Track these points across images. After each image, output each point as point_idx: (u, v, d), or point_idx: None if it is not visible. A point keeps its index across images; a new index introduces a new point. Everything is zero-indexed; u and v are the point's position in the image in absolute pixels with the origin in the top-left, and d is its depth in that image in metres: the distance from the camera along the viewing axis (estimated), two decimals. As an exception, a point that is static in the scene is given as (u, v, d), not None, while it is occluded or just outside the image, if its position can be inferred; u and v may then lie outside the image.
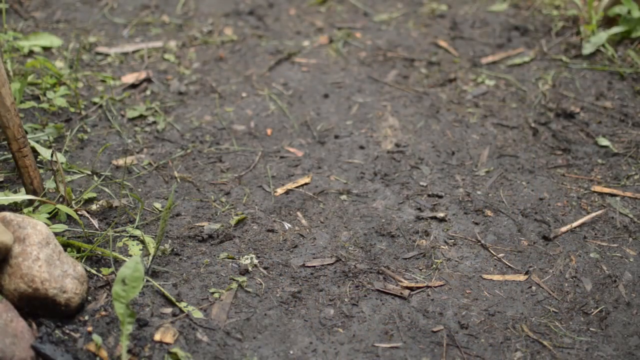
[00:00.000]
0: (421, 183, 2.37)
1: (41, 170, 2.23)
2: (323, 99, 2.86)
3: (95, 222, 2.08)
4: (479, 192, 2.34)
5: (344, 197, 2.29)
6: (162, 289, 1.88)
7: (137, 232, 2.06)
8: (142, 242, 2.04)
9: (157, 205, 2.20)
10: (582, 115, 2.75)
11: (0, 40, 2.77)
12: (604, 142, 2.58)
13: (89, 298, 1.85)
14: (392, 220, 2.19)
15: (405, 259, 2.06)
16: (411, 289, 1.95)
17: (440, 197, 2.31)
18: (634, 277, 2.01)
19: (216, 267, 1.99)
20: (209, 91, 2.87)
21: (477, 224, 2.20)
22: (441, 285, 1.97)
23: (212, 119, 2.67)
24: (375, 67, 3.10)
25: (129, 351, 1.69)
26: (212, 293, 1.90)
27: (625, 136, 2.63)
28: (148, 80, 2.90)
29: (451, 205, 2.27)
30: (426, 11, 3.63)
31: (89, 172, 2.31)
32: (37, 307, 1.76)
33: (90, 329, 1.76)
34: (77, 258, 1.93)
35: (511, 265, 2.05)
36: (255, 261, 2.01)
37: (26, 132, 2.20)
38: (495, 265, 2.05)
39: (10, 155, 2.27)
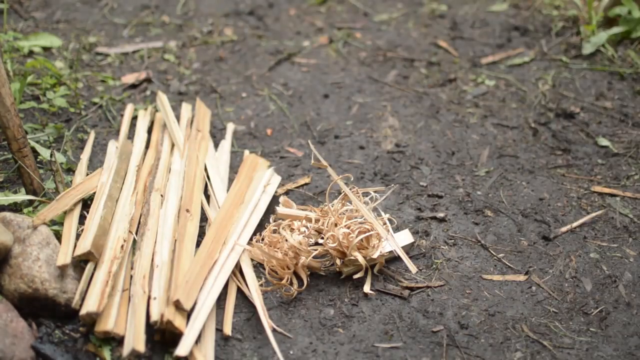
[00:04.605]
0: (421, 183, 2.37)
1: (41, 171, 2.23)
2: (323, 99, 2.86)
3: (95, 222, 2.08)
4: (479, 192, 2.34)
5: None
6: (162, 289, 1.88)
7: (137, 232, 2.06)
8: (142, 242, 2.04)
9: (157, 205, 2.20)
10: (582, 115, 2.75)
11: (0, 40, 2.77)
12: (604, 142, 2.59)
13: (89, 298, 1.84)
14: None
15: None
16: (411, 289, 1.95)
17: (440, 197, 2.31)
18: (634, 277, 2.01)
19: (216, 267, 1.99)
20: (209, 91, 2.87)
21: (477, 224, 2.20)
22: (441, 285, 1.97)
23: (212, 119, 2.67)
24: (375, 67, 3.10)
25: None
26: (212, 293, 1.90)
27: (625, 136, 2.63)
28: (148, 80, 2.90)
29: (451, 205, 2.27)
30: (426, 11, 3.63)
31: (89, 173, 2.31)
32: (37, 307, 1.76)
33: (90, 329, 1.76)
34: (77, 258, 1.93)
35: (511, 266, 2.05)
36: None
37: (26, 132, 2.20)
38: (495, 266, 2.05)
39: (10, 155, 2.27)
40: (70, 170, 2.30)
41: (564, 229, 2.18)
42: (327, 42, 3.30)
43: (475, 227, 2.19)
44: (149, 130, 2.48)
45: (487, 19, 3.54)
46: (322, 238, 2.01)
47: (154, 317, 1.68)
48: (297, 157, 2.49)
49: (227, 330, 1.77)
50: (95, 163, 2.35)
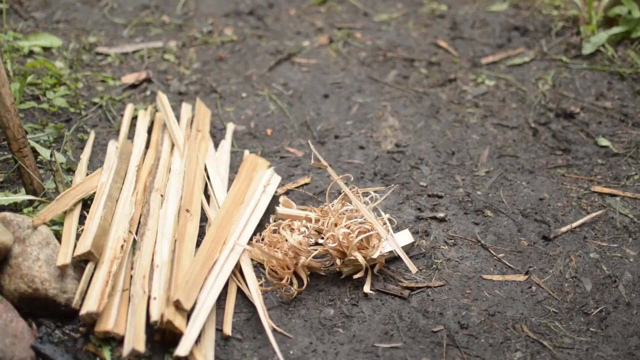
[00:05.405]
0: (421, 183, 2.37)
1: (41, 171, 2.23)
2: (323, 99, 2.86)
3: (95, 222, 2.08)
4: (479, 192, 2.34)
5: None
6: (162, 289, 1.88)
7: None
8: (142, 242, 2.04)
9: (157, 205, 2.20)
10: (582, 115, 2.75)
11: (0, 40, 2.77)
12: (604, 142, 2.59)
13: (89, 298, 1.84)
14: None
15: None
16: (411, 289, 1.95)
17: (440, 197, 2.31)
18: (634, 277, 2.01)
19: (216, 267, 1.99)
20: (209, 91, 2.87)
21: (477, 224, 2.20)
22: (441, 285, 1.97)
23: (212, 119, 2.67)
24: (375, 67, 3.10)
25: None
26: (212, 293, 1.90)
27: (625, 136, 2.63)
28: (148, 80, 2.90)
29: (451, 205, 2.27)
30: (426, 11, 3.63)
31: (89, 173, 2.31)
32: (37, 307, 1.76)
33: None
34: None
35: (511, 266, 2.05)
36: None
37: (26, 132, 2.20)
38: (495, 266, 2.05)
39: (10, 155, 2.27)
40: (70, 170, 2.30)
41: (564, 229, 2.18)
42: (327, 42, 3.30)
43: (475, 227, 2.19)
44: (149, 130, 2.48)
45: (487, 19, 3.54)
46: (322, 238, 2.01)
47: (154, 317, 1.68)
48: (297, 157, 2.49)
49: (227, 330, 1.77)
50: (95, 163, 2.35)
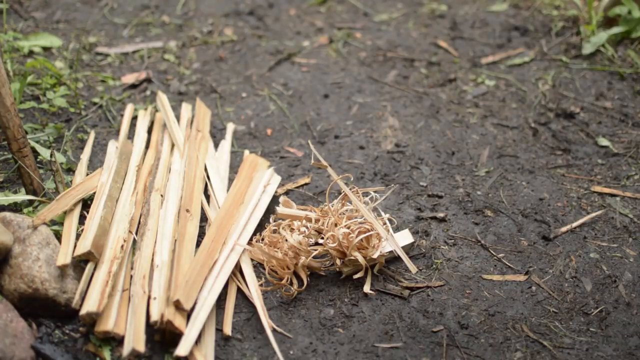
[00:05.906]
0: (421, 183, 2.37)
1: (41, 171, 2.23)
2: (323, 99, 2.86)
3: (95, 222, 2.08)
4: (479, 192, 2.34)
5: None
6: (162, 289, 1.88)
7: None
8: (142, 242, 2.04)
9: (157, 205, 2.20)
10: (582, 115, 2.75)
11: (0, 40, 2.77)
12: (604, 142, 2.59)
13: (89, 298, 1.84)
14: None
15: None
16: (411, 289, 1.95)
17: (440, 197, 2.31)
18: (634, 277, 2.01)
19: (216, 267, 1.99)
20: (209, 91, 2.87)
21: (477, 224, 2.20)
22: (441, 285, 1.97)
23: (212, 119, 2.67)
24: (375, 67, 3.10)
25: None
26: (212, 293, 1.90)
27: (625, 136, 2.63)
28: (148, 80, 2.90)
29: (451, 205, 2.27)
30: (426, 11, 3.63)
31: (89, 173, 2.31)
32: (37, 307, 1.76)
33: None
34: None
35: (511, 266, 2.05)
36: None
37: (26, 132, 2.20)
38: (495, 266, 2.05)
39: (10, 155, 2.27)
40: (70, 170, 2.30)
41: (564, 229, 2.18)
42: (327, 42, 3.30)
43: (475, 227, 2.19)
44: (149, 130, 2.48)
45: (487, 19, 3.54)
46: (322, 238, 2.01)
47: (154, 317, 1.68)
48: (297, 157, 2.49)
49: (227, 330, 1.77)
50: (95, 163, 2.35)
